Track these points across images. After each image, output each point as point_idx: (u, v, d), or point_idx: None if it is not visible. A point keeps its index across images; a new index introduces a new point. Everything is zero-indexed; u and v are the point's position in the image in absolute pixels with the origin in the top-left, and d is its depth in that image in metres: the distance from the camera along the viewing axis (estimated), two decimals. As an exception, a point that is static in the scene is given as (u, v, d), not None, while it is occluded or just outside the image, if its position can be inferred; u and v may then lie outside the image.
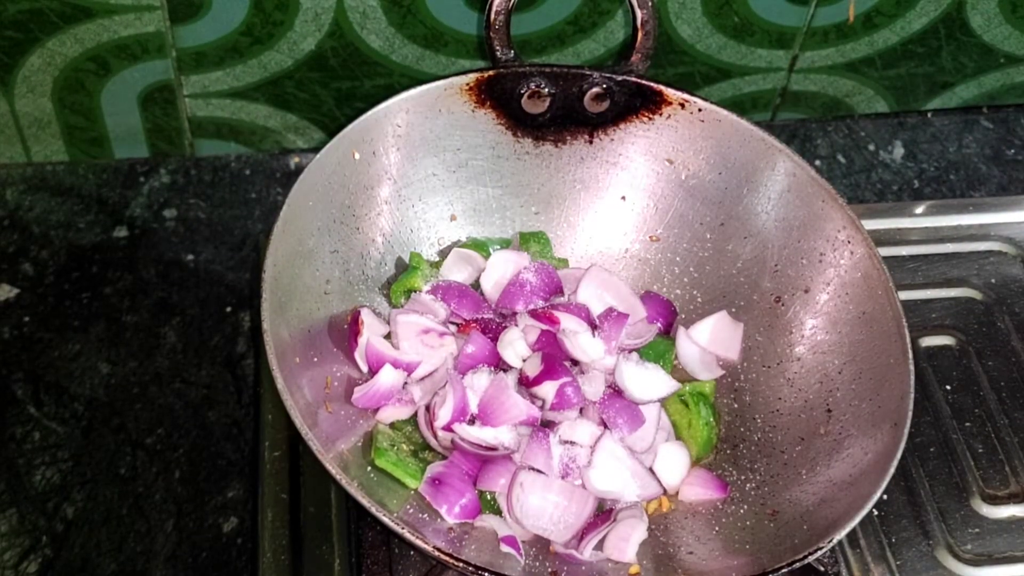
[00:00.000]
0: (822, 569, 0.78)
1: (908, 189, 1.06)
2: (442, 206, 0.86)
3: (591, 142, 0.87)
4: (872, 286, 0.79)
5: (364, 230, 0.82)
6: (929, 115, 1.10)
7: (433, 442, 0.76)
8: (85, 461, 0.83)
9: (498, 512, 0.75)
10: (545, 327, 0.79)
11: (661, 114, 0.85)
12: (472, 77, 0.83)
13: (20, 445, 0.84)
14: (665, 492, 0.78)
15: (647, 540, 0.75)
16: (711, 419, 0.80)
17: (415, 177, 0.84)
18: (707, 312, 0.85)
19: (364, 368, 0.79)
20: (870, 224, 0.84)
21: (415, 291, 0.82)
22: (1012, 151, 1.10)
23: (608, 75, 0.84)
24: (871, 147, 1.08)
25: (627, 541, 0.73)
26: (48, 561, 0.79)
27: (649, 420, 0.78)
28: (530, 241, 0.86)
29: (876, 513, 0.84)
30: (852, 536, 0.82)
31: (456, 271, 0.85)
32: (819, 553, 0.67)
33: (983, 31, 1.02)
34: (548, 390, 0.76)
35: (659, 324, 0.84)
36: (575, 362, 0.80)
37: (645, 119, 0.86)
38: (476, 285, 0.84)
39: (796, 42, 1.00)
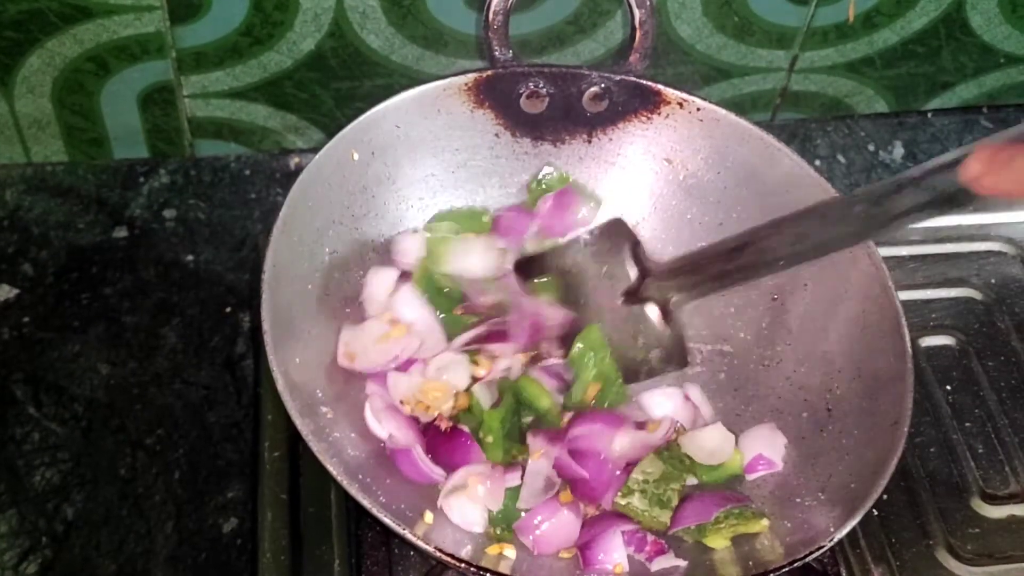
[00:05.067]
0: (822, 569, 0.78)
1: (908, 189, 1.06)
2: (441, 206, 0.86)
3: (590, 142, 0.87)
4: (872, 286, 0.79)
5: (363, 231, 0.82)
6: (929, 115, 1.10)
7: None
8: (85, 462, 0.83)
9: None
10: None
11: (659, 114, 0.85)
12: (471, 77, 0.83)
13: (20, 446, 0.83)
14: None
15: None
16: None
17: (414, 177, 0.84)
18: (706, 312, 0.85)
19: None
20: (870, 224, 0.84)
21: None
22: (1012, 151, 1.10)
23: (606, 75, 0.84)
24: (871, 147, 1.08)
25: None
26: (48, 562, 0.79)
27: None
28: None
29: (876, 513, 0.84)
30: (852, 536, 0.82)
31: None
32: (819, 553, 0.68)
33: (983, 31, 1.02)
34: None
35: None
36: None
37: (643, 119, 0.86)
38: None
39: (796, 42, 1.00)
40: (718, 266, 0.73)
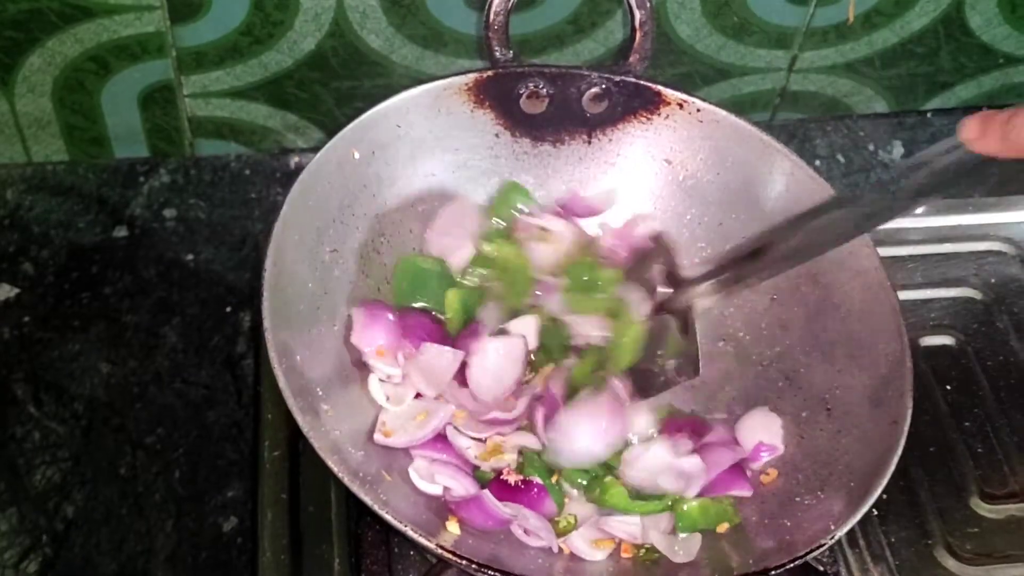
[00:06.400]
0: (822, 568, 0.79)
1: (907, 189, 1.06)
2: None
3: (589, 142, 0.87)
4: (871, 285, 0.79)
5: (363, 230, 0.82)
6: (928, 115, 1.10)
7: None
8: (85, 461, 0.83)
9: None
10: None
11: (659, 114, 0.85)
12: (471, 77, 0.83)
13: (20, 445, 0.84)
14: None
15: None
16: None
17: (414, 177, 0.84)
18: (705, 311, 0.85)
19: None
20: (869, 224, 0.84)
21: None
22: (1011, 151, 1.10)
23: (606, 75, 0.84)
24: (870, 147, 1.08)
25: None
26: (48, 560, 0.79)
27: None
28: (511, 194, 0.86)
29: (875, 512, 0.84)
30: (851, 535, 0.82)
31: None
32: (818, 551, 0.68)
33: (982, 31, 1.02)
34: None
35: None
36: None
37: (643, 119, 0.86)
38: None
39: (795, 42, 1.00)
40: (742, 268, 0.73)
